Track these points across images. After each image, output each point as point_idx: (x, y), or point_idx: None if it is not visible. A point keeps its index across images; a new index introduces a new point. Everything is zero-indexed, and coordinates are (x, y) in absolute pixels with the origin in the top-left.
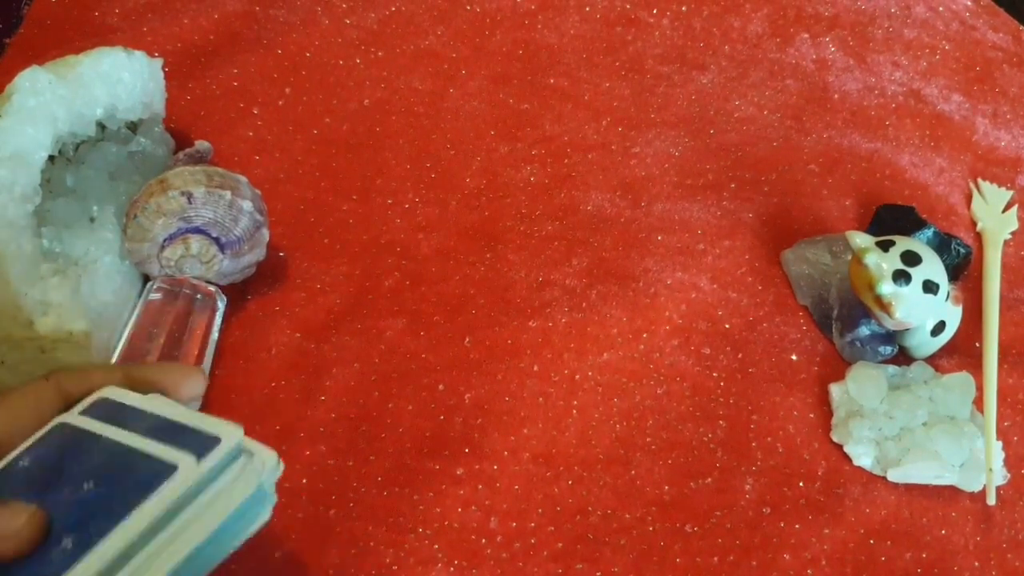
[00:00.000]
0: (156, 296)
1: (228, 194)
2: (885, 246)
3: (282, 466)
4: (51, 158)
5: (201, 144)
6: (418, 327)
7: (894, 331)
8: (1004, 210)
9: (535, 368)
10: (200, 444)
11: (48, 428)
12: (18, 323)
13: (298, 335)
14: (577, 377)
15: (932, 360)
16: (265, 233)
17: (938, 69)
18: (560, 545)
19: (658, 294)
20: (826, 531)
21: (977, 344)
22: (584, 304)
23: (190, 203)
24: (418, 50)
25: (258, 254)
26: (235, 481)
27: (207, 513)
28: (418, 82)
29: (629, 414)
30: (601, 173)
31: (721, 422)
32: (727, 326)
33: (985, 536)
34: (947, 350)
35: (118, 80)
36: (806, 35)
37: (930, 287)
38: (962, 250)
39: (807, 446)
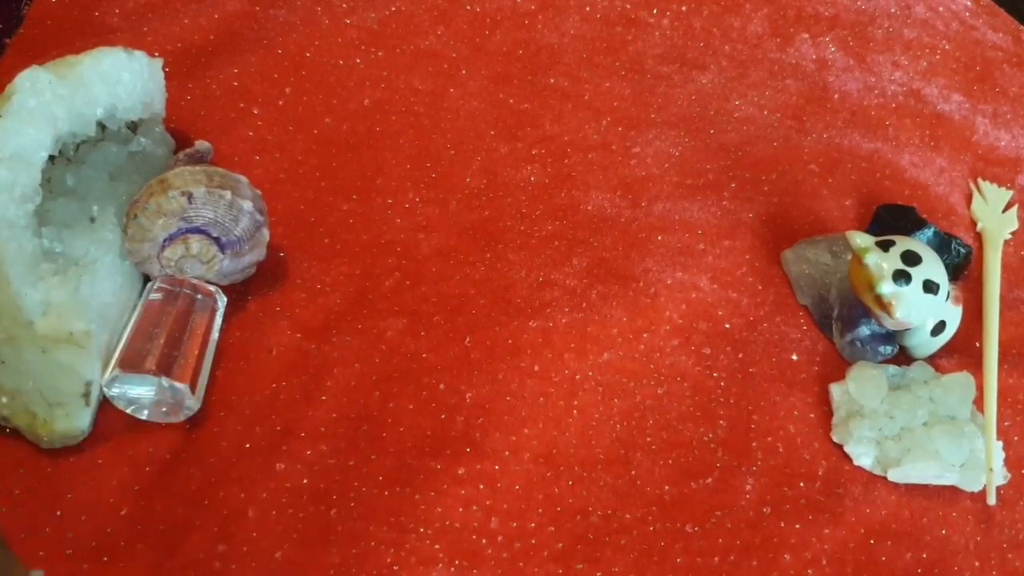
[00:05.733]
0: (156, 296)
1: (228, 194)
2: (885, 246)
3: None
4: (51, 158)
5: (201, 144)
6: (418, 327)
7: (894, 331)
8: (1004, 210)
9: (536, 368)
10: None
11: None
12: (18, 323)
13: (298, 335)
14: (578, 377)
15: (932, 360)
16: (265, 233)
17: (938, 69)
18: (560, 545)
19: (658, 294)
20: (826, 531)
21: (977, 344)
22: (584, 304)
23: (190, 203)
24: (418, 50)
25: (258, 254)
26: None
27: None
28: (418, 82)
29: (629, 414)
30: (601, 173)
31: (721, 422)
32: (727, 326)
33: (985, 536)
34: (947, 350)
35: (118, 80)
36: (806, 35)
37: (930, 287)
38: (962, 250)
39: (807, 446)
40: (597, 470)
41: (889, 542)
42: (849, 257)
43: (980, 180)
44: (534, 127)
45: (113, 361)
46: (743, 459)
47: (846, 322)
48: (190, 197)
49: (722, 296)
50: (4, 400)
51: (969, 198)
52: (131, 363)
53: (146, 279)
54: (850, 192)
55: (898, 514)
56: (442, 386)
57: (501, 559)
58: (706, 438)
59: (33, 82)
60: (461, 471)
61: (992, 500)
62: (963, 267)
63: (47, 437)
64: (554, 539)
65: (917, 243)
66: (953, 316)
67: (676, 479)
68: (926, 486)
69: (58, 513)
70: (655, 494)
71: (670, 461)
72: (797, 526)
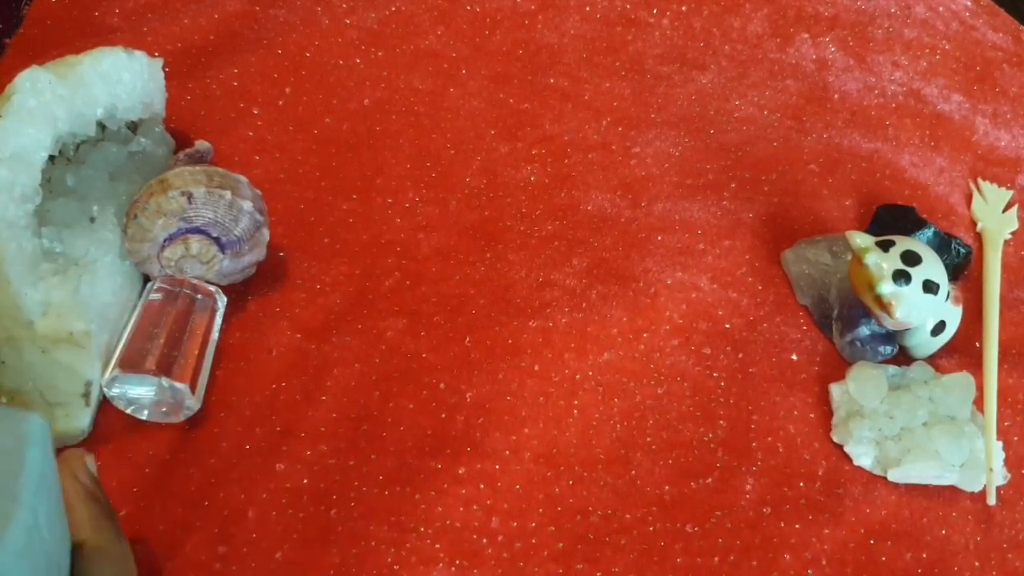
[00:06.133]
0: (156, 296)
1: (228, 194)
2: (885, 246)
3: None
4: (51, 158)
5: (201, 144)
6: (418, 327)
7: (894, 331)
8: (1004, 210)
9: (536, 368)
10: None
11: None
12: (18, 323)
13: (298, 335)
14: (578, 377)
15: (932, 360)
16: (265, 233)
17: (938, 69)
18: (561, 545)
19: (658, 294)
20: (826, 531)
21: (977, 344)
22: (584, 304)
23: (190, 203)
24: (418, 50)
25: (258, 254)
26: None
27: None
28: (418, 82)
29: (629, 414)
30: (601, 173)
31: (721, 422)
32: (727, 326)
33: (985, 536)
34: (947, 350)
35: (118, 80)
36: (806, 35)
37: (930, 287)
38: (962, 250)
39: (807, 446)
40: (597, 470)
41: (889, 542)
42: (849, 257)
43: (980, 180)
44: (534, 127)
45: (113, 361)
46: (743, 459)
47: (846, 322)
48: (190, 197)
49: (722, 296)
50: (4, 400)
51: (969, 198)
52: (131, 363)
53: (146, 279)
54: (850, 192)
55: (898, 514)
56: (442, 386)
57: (501, 559)
58: (706, 438)
59: (33, 82)
60: (461, 471)
61: (992, 500)
62: (963, 267)
63: None
64: (554, 539)
65: (917, 243)
66: (953, 316)
67: (676, 479)
68: (926, 486)
69: None
70: (655, 494)
71: (670, 461)
72: (797, 526)
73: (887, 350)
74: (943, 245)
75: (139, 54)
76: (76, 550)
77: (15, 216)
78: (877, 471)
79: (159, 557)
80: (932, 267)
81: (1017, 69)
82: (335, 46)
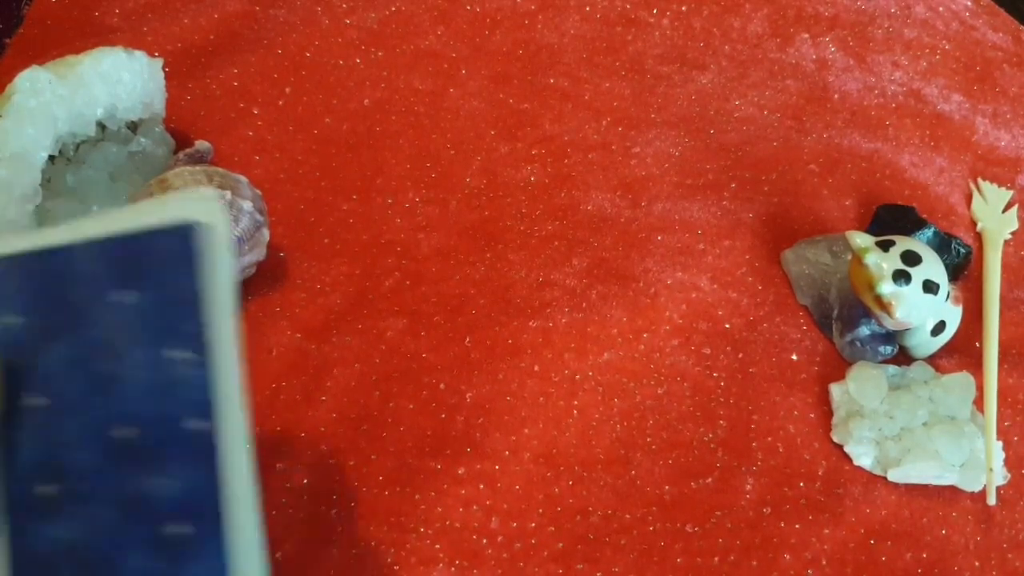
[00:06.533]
0: None
1: (228, 194)
2: (885, 246)
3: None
4: (51, 158)
5: (201, 144)
6: (418, 327)
7: (894, 331)
8: (1004, 210)
9: (536, 368)
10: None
11: None
12: None
13: (298, 335)
14: (577, 377)
15: (932, 360)
16: (265, 233)
17: (938, 69)
18: (561, 545)
19: (658, 294)
20: (826, 531)
21: (977, 344)
22: (584, 304)
23: None
24: (418, 50)
25: (258, 254)
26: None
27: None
28: (418, 82)
29: (629, 414)
30: (601, 173)
31: (721, 422)
32: (727, 326)
33: (985, 536)
34: (947, 350)
35: (118, 80)
36: (806, 35)
37: (930, 287)
38: (962, 250)
39: (807, 446)
40: (597, 470)
41: (889, 542)
42: (849, 257)
43: (980, 180)
44: (534, 127)
45: None
46: (743, 459)
47: (846, 322)
48: None
49: (722, 296)
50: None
51: (969, 198)
52: None
53: None
54: (850, 192)
55: (898, 514)
56: (442, 386)
57: (501, 559)
58: (706, 438)
59: (33, 82)
60: (461, 471)
61: (992, 500)
62: (963, 267)
63: None
64: (554, 539)
65: (917, 243)
66: (953, 316)
67: (676, 479)
68: (926, 486)
69: None
70: (655, 494)
71: (670, 461)
72: (797, 526)
73: (887, 350)
74: (943, 245)
75: (139, 54)
76: None
77: (15, 216)
78: (877, 471)
79: None
80: (932, 267)
81: (1017, 69)
82: (335, 46)
